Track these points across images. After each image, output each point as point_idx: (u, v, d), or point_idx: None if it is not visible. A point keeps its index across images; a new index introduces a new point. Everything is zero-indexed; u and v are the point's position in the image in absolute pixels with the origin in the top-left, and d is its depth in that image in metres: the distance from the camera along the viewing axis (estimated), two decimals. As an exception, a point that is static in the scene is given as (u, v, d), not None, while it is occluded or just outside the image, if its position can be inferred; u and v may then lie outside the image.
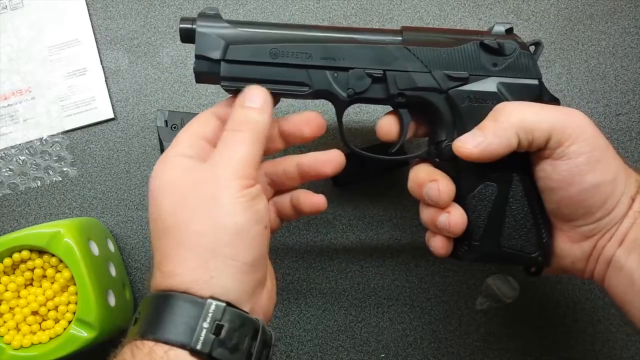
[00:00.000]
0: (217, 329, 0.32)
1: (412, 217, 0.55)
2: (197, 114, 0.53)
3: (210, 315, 0.32)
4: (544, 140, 0.37)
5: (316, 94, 0.41)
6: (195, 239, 0.34)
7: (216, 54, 0.40)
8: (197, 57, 0.40)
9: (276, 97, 0.42)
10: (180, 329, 0.32)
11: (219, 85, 0.41)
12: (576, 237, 0.39)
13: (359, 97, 0.41)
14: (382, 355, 0.55)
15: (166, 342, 0.32)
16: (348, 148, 0.43)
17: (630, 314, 0.38)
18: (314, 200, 0.43)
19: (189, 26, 0.40)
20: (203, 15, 0.41)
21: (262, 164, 0.41)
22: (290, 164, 0.43)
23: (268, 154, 0.42)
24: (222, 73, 0.40)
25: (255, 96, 0.39)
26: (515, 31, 0.43)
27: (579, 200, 0.37)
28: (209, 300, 0.33)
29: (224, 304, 0.33)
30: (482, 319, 0.55)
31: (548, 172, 0.38)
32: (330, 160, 0.43)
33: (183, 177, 0.36)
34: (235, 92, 0.41)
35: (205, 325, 0.32)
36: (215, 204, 0.35)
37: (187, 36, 0.40)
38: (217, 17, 0.41)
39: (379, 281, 0.55)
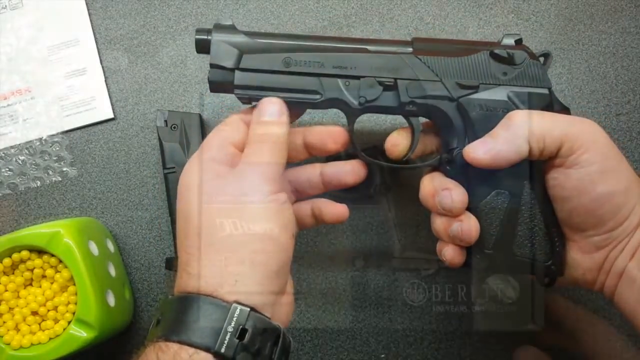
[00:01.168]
0: (241, 333, 0.33)
1: (413, 218, 0.55)
2: (196, 114, 0.54)
3: (234, 319, 0.33)
4: (556, 148, 0.37)
5: (328, 103, 0.42)
6: (223, 242, 0.34)
7: (230, 63, 0.41)
8: (212, 66, 0.41)
9: (298, 110, 0.43)
10: (205, 332, 0.33)
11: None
12: (587, 248, 0.39)
13: (370, 106, 0.41)
14: (382, 356, 0.55)
15: (191, 345, 0.32)
16: (361, 157, 0.44)
17: None
18: (337, 210, 0.44)
19: (205, 37, 0.41)
20: (218, 27, 0.41)
21: (286, 171, 0.42)
22: (314, 172, 0.44)
23: (291, 162, 0.43)
24: (235, 82, 0.41)
25: (271, 108, 0.40)
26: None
27: (591, 210, 0.37)
28: (234, 305, 0.33)
29: (248, 309, 0.33)
30: (483, 319, 0.55)
31: (560, 180, 0.38)
32: (352, 170, 0.44)
33: (213, 180, 0.37)
34: (248, 101, 0.42)
35: (230, 329, 0.33)
36: (245, 209, 0.35)
37: (203, 47, 0.41)
38: (232, 28, 0.42)
39: (379, 281, 0.55)
